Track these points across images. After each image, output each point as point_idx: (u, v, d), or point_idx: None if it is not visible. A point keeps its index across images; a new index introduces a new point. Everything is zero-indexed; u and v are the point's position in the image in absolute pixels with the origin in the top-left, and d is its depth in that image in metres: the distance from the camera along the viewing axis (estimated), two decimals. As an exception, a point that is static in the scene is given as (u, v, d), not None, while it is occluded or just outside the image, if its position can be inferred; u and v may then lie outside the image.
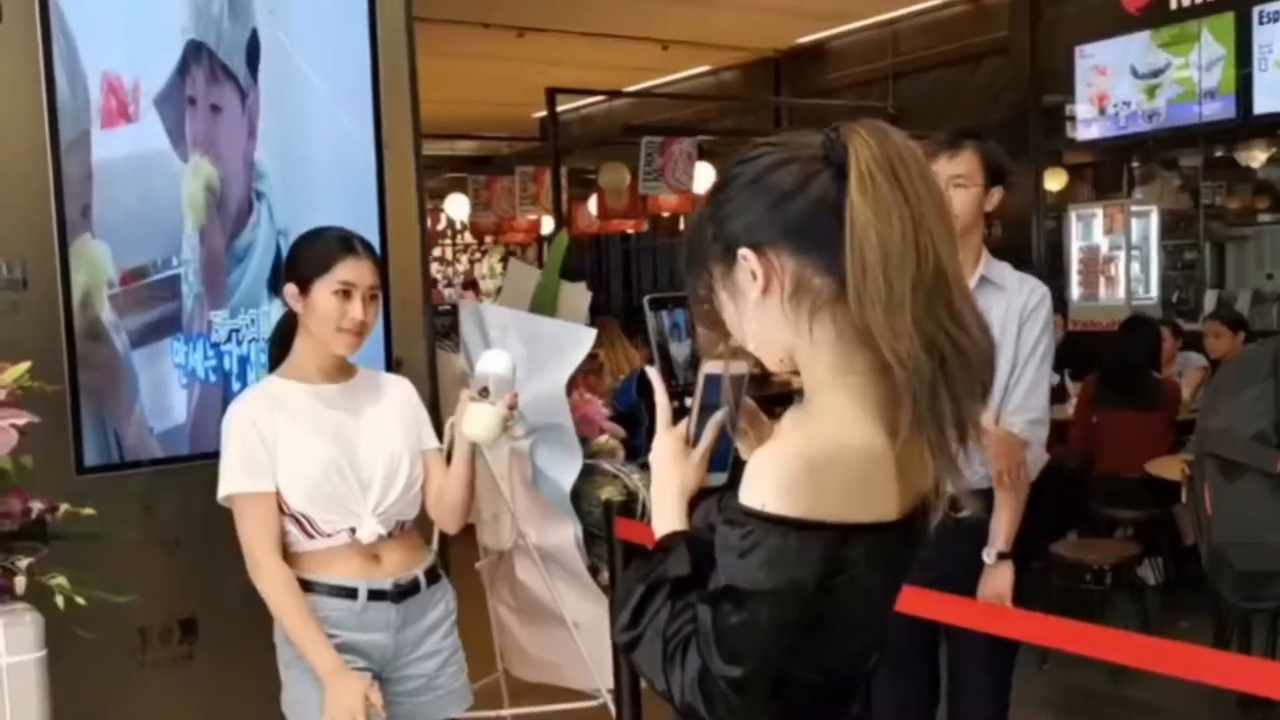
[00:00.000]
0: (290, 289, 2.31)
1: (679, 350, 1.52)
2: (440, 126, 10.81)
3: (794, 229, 1.17)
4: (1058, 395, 6.20)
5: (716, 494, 1.31)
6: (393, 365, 2.97)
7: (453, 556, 3.41)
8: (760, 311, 1.20)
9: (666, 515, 1.30)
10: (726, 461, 1.34)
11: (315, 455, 2.26)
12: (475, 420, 2.28)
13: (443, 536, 3.40)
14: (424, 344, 3.21)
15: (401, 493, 2.35)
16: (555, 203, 8.54)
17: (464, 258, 16.84)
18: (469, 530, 3.37)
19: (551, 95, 8.33)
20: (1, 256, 2.53)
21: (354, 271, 2.28)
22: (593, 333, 2.99)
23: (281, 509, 2.26)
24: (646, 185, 8.15)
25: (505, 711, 3.48)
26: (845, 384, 1.18)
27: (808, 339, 1.18)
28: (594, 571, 3.11)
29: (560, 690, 3.44)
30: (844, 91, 9.91)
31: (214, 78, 2.74)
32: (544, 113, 9.22)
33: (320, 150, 2.87)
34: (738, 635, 1.13)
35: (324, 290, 2.26)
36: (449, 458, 2.45)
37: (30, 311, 2.55)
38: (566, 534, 3.07)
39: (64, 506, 2.27)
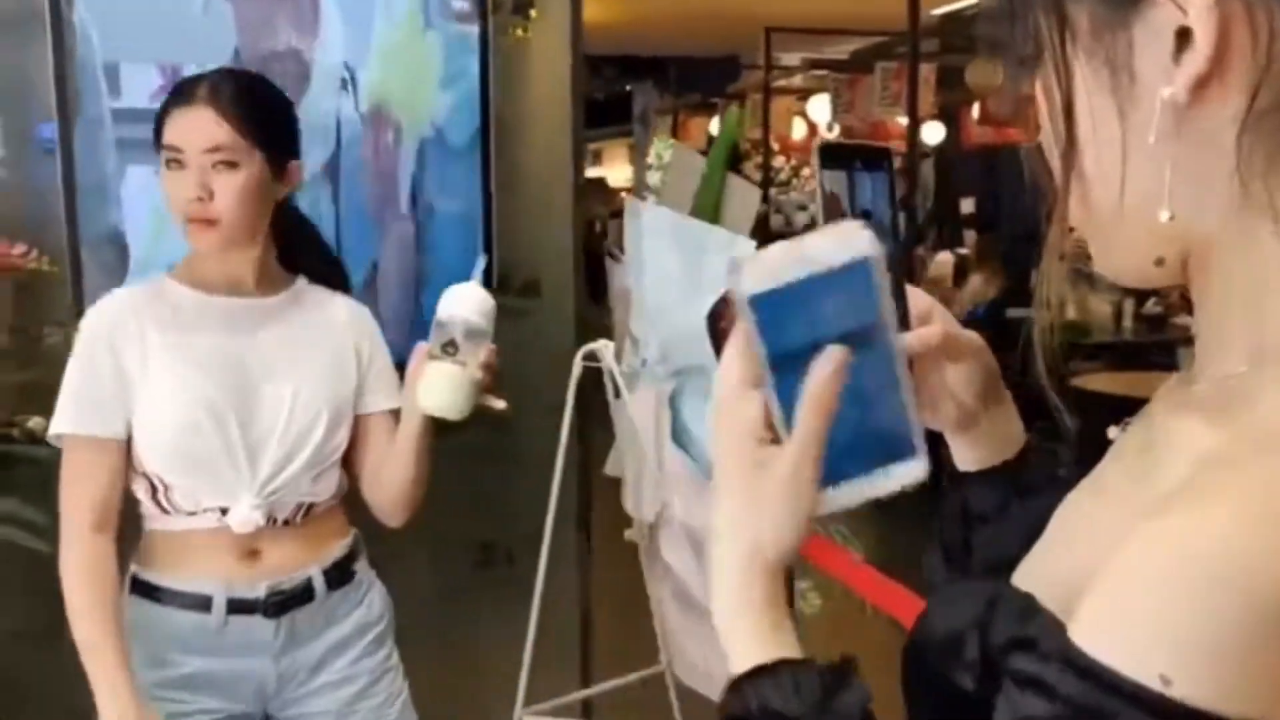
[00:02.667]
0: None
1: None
2: (814, 21, 9.98)
3: None
4: None
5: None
6: (492, 281, 2.33)
7: (600, 515, 2.78)
8: (1178, 135, 0.55)
9: (736, 629, 0.64)
10: (905, 432, 0.64)
11: (187, 394, 1.62)
12: (433, 387, 1.59)
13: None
14: (570, 261, 2.53)
15: (306, 465, 1.69)
16: (910, 104, 7.46)
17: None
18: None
19: (912, -23, 7.23)
20: None
21: (178, 127, 1.59)
22: (751, 244, 2.20)
23: (134, 466, 1.65)
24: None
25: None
26: None
27: None
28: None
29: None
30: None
31: None
32: (946, 7, 8.10)
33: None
34: None
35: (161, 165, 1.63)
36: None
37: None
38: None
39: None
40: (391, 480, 1.73)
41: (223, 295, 1.69)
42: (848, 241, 0.61)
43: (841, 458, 0.63)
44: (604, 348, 2.42)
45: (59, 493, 1.61)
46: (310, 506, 1.73)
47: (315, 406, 1.69)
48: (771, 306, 0.61)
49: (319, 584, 1.73)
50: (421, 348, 1.61)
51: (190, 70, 1.89)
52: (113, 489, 1.62)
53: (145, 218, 2.14)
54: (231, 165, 1.60)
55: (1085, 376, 5.19)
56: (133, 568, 1.68)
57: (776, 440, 0.63)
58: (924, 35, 7.72)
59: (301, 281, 1.78)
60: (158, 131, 1.61)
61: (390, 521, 1.79)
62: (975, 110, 9.43)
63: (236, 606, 1.66)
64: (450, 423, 1.62)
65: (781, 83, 10.95)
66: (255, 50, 2.18)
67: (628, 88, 12.89)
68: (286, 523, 1.70)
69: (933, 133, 10.54)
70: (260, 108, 1.65)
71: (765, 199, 8.88)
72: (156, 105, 1.67)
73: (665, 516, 2.47)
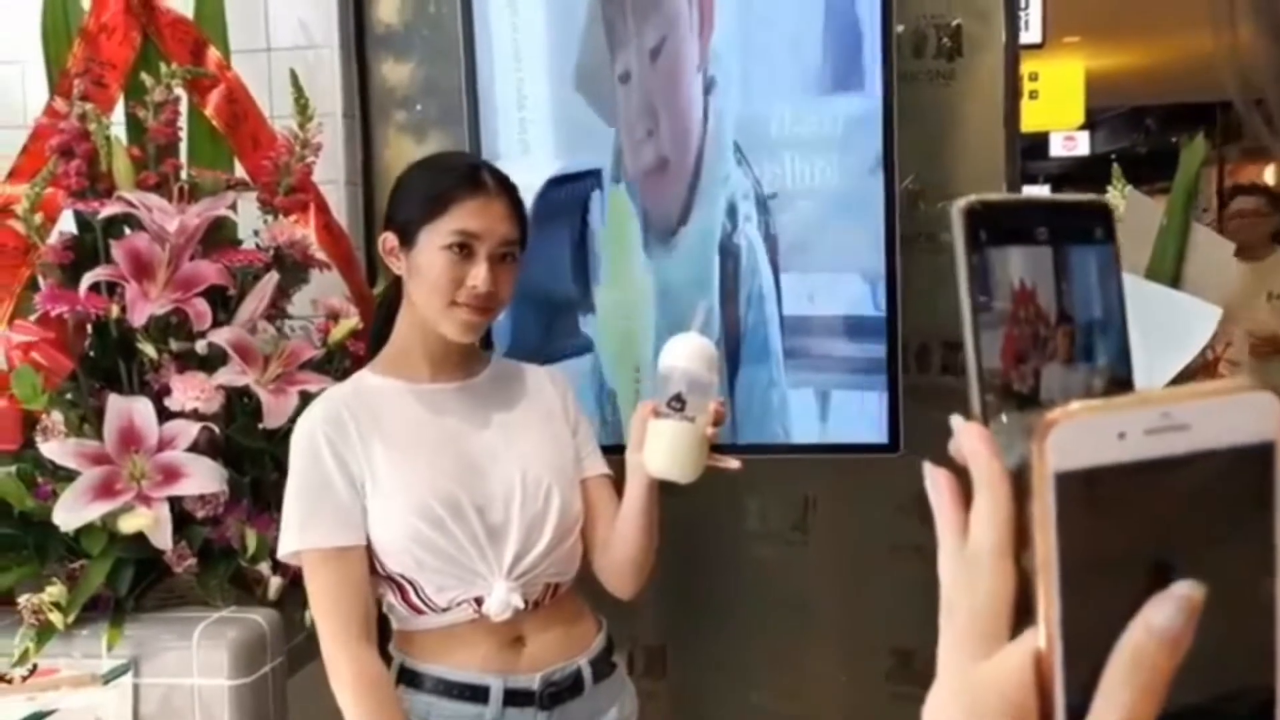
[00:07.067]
0: (387, 240, 1.61)
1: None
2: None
3: None
4: None
5: None
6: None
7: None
8: None
9: None
10: None
11: (421, 487, 1.54)
12: (661, 447, 1.46)
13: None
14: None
15: (552, 543, 1.60)
16: None
17: None
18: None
19: None
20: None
21: (479, 216, 1.55)
22: (1216, 313, 1.75)
23: (374, 569, 1.57)
24: None
25: None
26: None
27: None
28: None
29: None
30: None
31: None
32: None
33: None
34: None
35: (432, 243, 1.55)
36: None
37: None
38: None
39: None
40: (621, 551, 1.63)
41: (427, 383, 1.64)
42: (1242, 410, 0.38)
43: None
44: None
45: (314, 611, 1.54)
46: (558, 586, 1.64)
47: (544, 484, 1.61)
48: (1088, 495, 0.37)
49: (587, 675, 1.63)
50: (646, 405, 1.48)
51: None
52: (366, 596, 1.54)
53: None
54: (513, 259, 1.60)
55: None
56: (397, 657, 1.62)
57: None
58: None
59: (494, 357, 1.74)
60: (436, 210, 1.56)
61: (621, 595, 1.69)
62: None
63: (511, 698, 1.57)
64: (680, 486, 1.49)
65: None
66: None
67: (1173, 139, 11.84)
68: (539, 605, 1.61)
69: None
70: (522, 205, 1.65)
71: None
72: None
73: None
